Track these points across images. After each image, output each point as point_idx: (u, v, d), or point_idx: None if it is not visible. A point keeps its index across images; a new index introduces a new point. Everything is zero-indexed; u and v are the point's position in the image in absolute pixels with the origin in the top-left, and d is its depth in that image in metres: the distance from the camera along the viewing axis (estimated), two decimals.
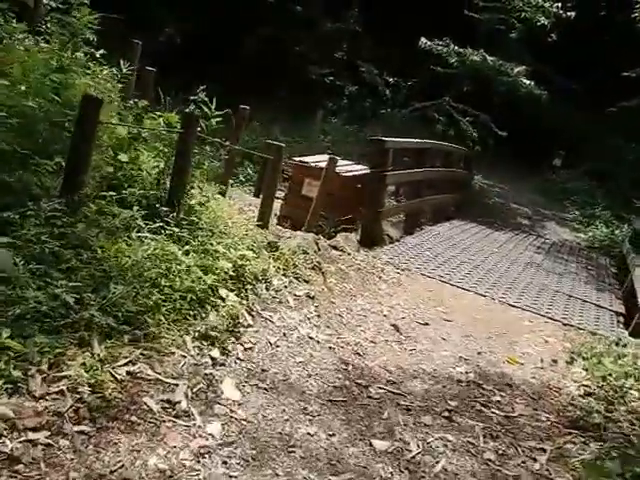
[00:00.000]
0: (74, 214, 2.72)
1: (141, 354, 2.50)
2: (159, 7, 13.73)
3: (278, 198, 7.26)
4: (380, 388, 3.08)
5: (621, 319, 5.89)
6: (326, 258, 5.02)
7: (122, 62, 4.89)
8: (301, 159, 6.65)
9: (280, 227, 6.44)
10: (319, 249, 5.26)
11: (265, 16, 14.88)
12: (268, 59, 15.20)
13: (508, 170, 13.77)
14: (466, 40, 11.90)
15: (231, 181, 9.98)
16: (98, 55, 4.88)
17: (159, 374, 2.45)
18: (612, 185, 12.15)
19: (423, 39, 11.81)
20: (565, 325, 5.20)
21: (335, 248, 5.60)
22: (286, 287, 3.90)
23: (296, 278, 4.14)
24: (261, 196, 4.99)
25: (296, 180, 6.62)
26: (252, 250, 3.90)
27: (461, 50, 11.71)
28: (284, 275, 4.05)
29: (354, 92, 16.52)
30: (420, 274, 5.76)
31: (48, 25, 5.18)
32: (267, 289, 3.72)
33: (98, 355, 2.36)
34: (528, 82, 11.20)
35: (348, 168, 6.73)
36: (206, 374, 2.60)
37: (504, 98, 12.06)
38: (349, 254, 5.58)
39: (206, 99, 3.77)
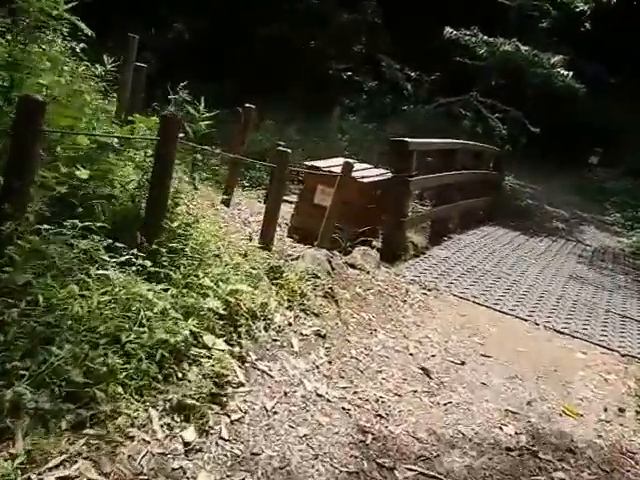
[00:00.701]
0: (2, 251, 2.09)
1: (85, 445, 1.85)
2: (168, 2, 13.17)
3: (291, 202, 6.61)
4: (409, 469, 2.38)
5: None
6: (341, 281, 4.33)
7: (106, 57, 4.26)
8: (313, 164, 5.96)
9: (290, 239, 5.80)
10: (333, 269, 4.57)
11: (278, 10, 14.22)
12: (282, 55, 14.54)
13: (540, 169, 12.86)
14: (495, 29, 11.04)
15: (246, 185, 9.43)
16: (78, 50, 4.27)
17: (106, 476, 1.80)
18: None
19: (448, 28, 10.98)
20: (624, 356, 4.41)
21: (352, 266, 4.90)
22: (290, 324, 3.22)
23: (303, 311, 3.46)
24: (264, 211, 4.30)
25: (308, 187, 5.93)
26: (249, 279, 3.24)
27: (491, 40, 10.83)
28: (289, 308, 3.37)
29: (374, 88, 15.74)
30: (450, 294, 5.02)
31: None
32: (266, 329, 3.04)
33: (18, 456, 1.71)
34: (566, 73, 10.27)
35: (366, 173, 6.02)
36: (174, 469, 1.94)
37: (538, 91, 11.17)
38: (368, 273, 4.88)
39: (188, 98, 3.10)
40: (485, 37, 10.84)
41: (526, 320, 4.76)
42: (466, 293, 5.08)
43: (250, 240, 4.27)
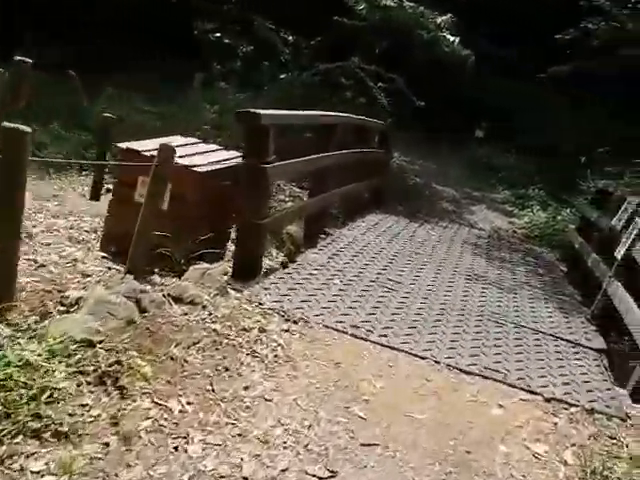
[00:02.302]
0: None
1: None
2: None
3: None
4: None
5: (606, 362, 4.17)
6: (147, 337, 2.74)
7: None
8: (130, 146, 4.20)
9: (105, 255, 4.10)
10: (144, 311, 2.98)
11: None
12: (138, 10, 12.21)
13: (428, 144, 12.01)
14: None
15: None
16: None
17: None
18: (544, 160, 10.72)
19: None
20: (548, 401, 3.32)
21: (179, 300, 3.33)
22: None
23: (36, 436, 1.83)
24: None
25: (125, 180, 4.20)
26: None
27: None
28: None
29: (249, 53, 13.99)
30: (323, 326, 3.63)
31: None
32: None
33: None
34: (452, 38, 9.28)
35: (209, 158, 4.40)
36: None
37: (424, 57, 10.12)
38: (204, 307, 3.34)
39: None
40: None
41: (423, 358, 3.51)
42: (344, 323, 3.71)
43: None
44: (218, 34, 13.14)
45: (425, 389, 3.17)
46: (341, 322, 3.70)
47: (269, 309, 3.68)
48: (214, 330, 3.14)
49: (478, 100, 11.84)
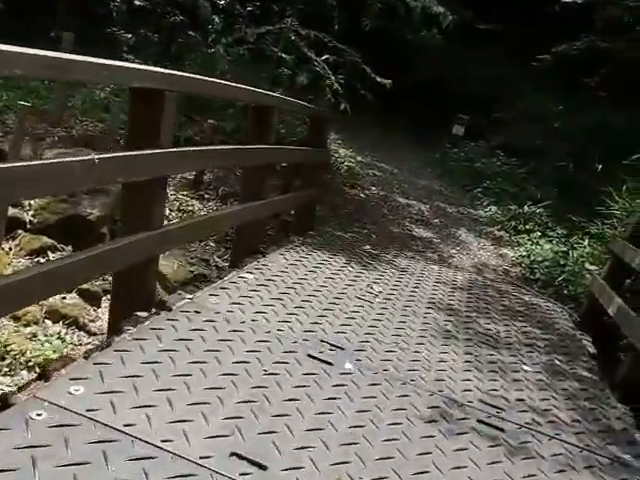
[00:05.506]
0: None
1: None
2: None
3: None
4: None
5: None
6: None
7: None
8: None
9: None
10: None
11: None
12: None
13: (389, 140, 9.34)
14: None
15: None
16: None
17: None
18: (544, 167, 8.15)
19: None
20: None
21: None
22: None
23: None
24: None
25: None
26: None
27: None
28: None
29: (177, 21, 11.28)
30: None
31: None
32: None
33: None
34: None
35: None
36: None
37: (383, 22, 7.44)
38: None
39: None
40: None
41: None
42: None
43: None
44: None
45: None
46: None
47: None
48: None
49: (457, 86, 9.24)
